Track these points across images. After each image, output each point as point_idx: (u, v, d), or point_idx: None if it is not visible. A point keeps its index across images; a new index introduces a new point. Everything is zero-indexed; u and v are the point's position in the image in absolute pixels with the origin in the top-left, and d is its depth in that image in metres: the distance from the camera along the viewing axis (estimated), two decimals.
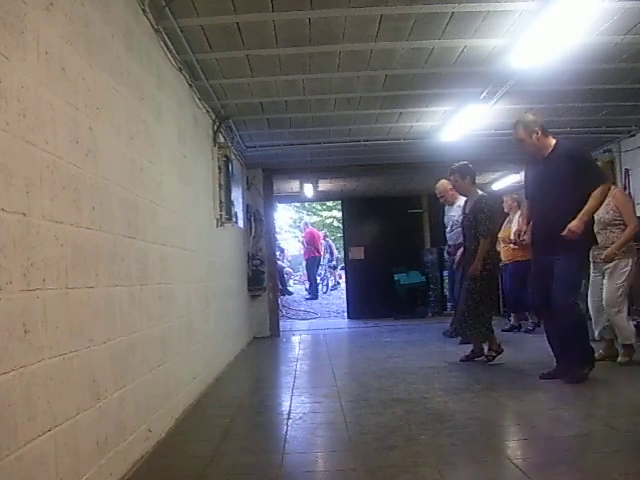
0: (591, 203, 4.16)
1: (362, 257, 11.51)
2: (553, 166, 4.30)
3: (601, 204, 4.30)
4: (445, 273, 10.08)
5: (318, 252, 15.82)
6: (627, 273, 4.78)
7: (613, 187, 4.90)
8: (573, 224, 4.12)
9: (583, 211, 4.15)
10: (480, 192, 5.61)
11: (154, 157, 3.56)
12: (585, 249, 4.38)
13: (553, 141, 4.37)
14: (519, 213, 7.46)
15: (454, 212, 6.64)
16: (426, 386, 4.53)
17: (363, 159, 8.44)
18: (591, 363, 4.35)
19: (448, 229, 6.88)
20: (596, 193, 4.15)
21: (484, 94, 5.50)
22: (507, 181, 9.97)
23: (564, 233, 4.10)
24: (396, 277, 10.90)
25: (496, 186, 10.28)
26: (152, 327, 3.35)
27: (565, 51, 4.39)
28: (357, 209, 11.67)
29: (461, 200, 6.48)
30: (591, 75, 5.13)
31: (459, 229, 6.39)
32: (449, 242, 7.01)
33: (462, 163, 5.62)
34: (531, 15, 3.79)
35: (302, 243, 17.07)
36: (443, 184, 6.70)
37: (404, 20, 3.93)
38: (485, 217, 5.31)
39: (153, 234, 3.47)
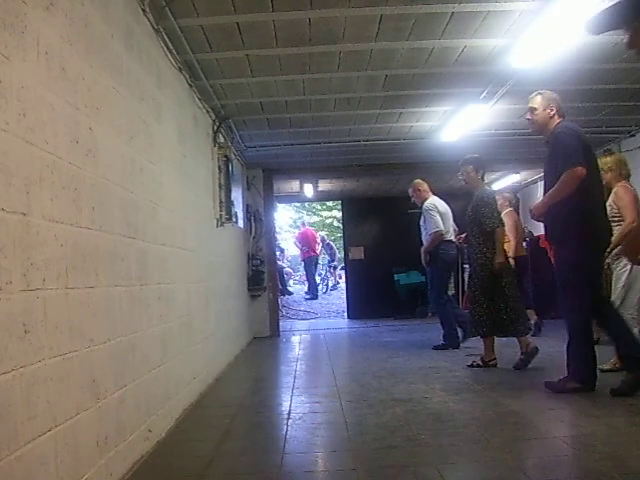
0: (555, 187, 3.87)
1: (362, 257, 11.51)
2: (548, 151, 4.11)
3: (566, 189, 3.81)
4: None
5: (314, 252, 15.80)
6: (627, 273, 4.57)
7: (619, 183, 4.73)
8: (534, 204, 3.99)
9: (547, 194, 3.92)
10: (486, 187, 5.54)
11: (154, 157, 3.56)
12: (577, 243, 3.86)
13: (555, 123, 4.09)
14: (506, 211, 7.43)
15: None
16: (426, 386, 4.53)
17: (363, 159, 8.45)
18: (584, 380, 3.89)
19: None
20: (561, 178, 3.83)
21: (484, 94, 5.50)
22: (507, 181, 9.98)
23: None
24: (396, 277, 10.91)
25: (496, 186, 10.28)
26: (152, 327, 3.35)
27: (565, 51, 4.40)
28: (357, 209, 11.67)
29: (428, 202, 6.67)
30: (591, 75, 5.14)
31: (424, 231, 6.66)
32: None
33: (476, 155, 5.51)
34: (531, 15, 3.80)
35: (295, 244, 17.04)
36: (413, 184, 6.90)
37: (404, 20, 3.93)
38: (489, 210, 5.19)
39: (153, 234, 3.47)
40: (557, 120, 4.11)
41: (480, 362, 5.25)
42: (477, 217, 5.24)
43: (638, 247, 2.18)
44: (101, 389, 2.53)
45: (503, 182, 10.08)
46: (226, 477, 2.81)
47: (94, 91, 2.60)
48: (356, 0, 3.64)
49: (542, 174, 4.43)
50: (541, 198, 4.18)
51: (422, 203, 6.77)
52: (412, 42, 4.29)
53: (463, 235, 5.97)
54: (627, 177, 4.85)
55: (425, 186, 6.85)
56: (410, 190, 6.96)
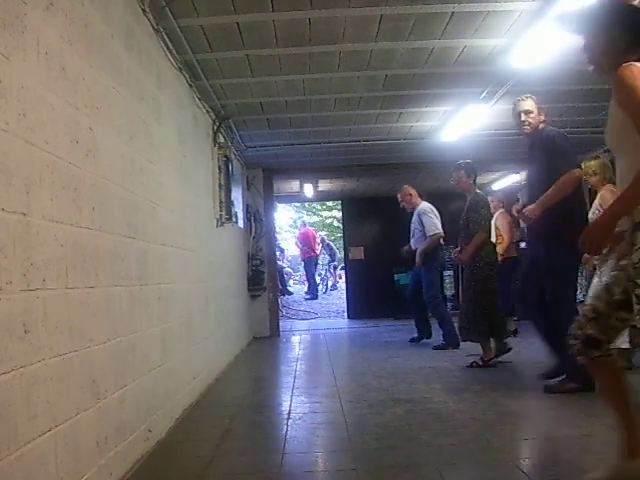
0: (552, 190, 3.93)
1: (362, 257, 11.50)
2: (534, 154, 4.18)
3: (564, 191, 3.91)
4: (446, 273, 10.16)
5: (314, 252, 15.81)
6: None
7: (604, 187, 4.80)
8: (528, 208, 4.02)
9: (543, 196, 3.96)
10: (478, 192, 5.64)
11: (154, 157, 3.56)
12: (567, 242, 3.79)
13: (541, 127, 4.19)
14: (500, 212, 7.44)
15: (414, 218, 6.99)
16: (426, 386, 4.53)
17: (363, 159, 8.45)
18: (583, 380, 3.79)
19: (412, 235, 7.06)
20: (559, 180, 3.91)
21: (484, 94, 5.50)
22: (507, 181, 9.97)
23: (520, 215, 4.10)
24: (396, 277, 10.89)
25: (496, 186, 10.29)
26: (152, 327, 3.35)
27: (565, 51, 4.39)
28: (357, 209, 11.66)
29: (422, 205, 6.96)
30: (591, 75, 5.10)
31: (418, 234, 6.86)
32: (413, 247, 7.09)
33: (468, 161, 5.63)
34: (531, 15, 3.80)
35: (296, 244, 17.05)
36: (402, 189, 7.20)
37: (404, 20, 3.93)
38: (478, 215, 5.34)
39: (153, 234, 3.47)
40: (543, 124, 4.21)
41: (480, 362, 5.27)
42: (467, 223, 5.39)
43: (603, 237, 2.14)
44: (101, 389, 2.53)
45: (503, 182, 10.07)
46: (226, 477, 2.81)
47: (94, 91, 2.60)
48: (356, 0, 3.64)
49: None
50: (522, 200, 4.26)
51: (412, 208, 7.02)
52: (412, 42, 4.29)
53: (458, 249, 6.04)
54: (610, 181, 4.86)
55: (415, 191, 7.14)
56: (399, 195, 7.23)
